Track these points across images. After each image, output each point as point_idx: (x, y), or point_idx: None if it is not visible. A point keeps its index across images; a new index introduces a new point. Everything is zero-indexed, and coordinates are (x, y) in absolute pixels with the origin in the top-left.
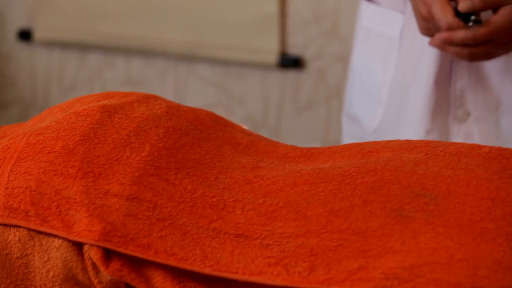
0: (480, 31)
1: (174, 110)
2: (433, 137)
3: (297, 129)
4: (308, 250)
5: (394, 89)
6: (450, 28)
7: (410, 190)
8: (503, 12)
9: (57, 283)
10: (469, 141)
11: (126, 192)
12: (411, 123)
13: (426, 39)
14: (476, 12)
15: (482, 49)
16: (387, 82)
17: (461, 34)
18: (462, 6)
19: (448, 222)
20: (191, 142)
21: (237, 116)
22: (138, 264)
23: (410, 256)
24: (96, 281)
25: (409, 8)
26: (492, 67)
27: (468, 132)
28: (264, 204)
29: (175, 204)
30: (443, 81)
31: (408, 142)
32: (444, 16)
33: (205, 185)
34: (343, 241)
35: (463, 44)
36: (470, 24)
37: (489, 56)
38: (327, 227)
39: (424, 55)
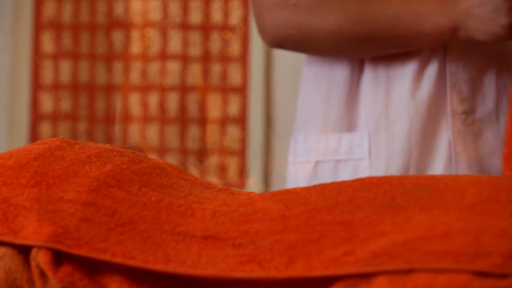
0: None
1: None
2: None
3: None
4: (286, 244)
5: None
6: None
7: (402, 187)
8: None
9: None
10: None
11: (82, 198)
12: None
13: None
14: None
15: None
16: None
17: None
18: None
19: (446, 206)
20: (158, 173)
21: None
22: (91, 270)
23: (403, 234)
24: None
25: None
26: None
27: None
28: (238, 211)
29: (137, 211)
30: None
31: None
32: None
33: (173, 198)
34: (326, 232)
35: None
36: None
37: None
38: (308, 222)
39: None
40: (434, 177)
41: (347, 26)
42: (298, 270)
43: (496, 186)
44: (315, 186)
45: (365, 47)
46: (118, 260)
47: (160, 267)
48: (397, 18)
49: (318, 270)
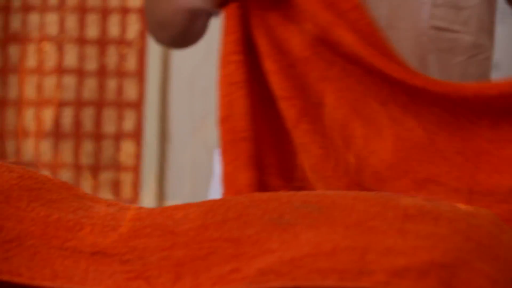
0: None
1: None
2: None
3: None
4: (174, 261)
5: None
6: None
7: (291, 204)
8: None
9: None
10: None
11: None
12: None
13: None
14: None
15: None
16: None
17: None
18: None
19: (333, 223)
20: (48, 188)
21: None
22: None
23: (290, 251)
24: None
25: None
26: None
27: None
28: (126, 226)
29: (25, 226)
30: None
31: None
32: None
33: (62, 212)
34: (214, 249)
35: None
36: None
37: None
38: (196, 239)
39: None
40: (323, 194)
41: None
42: (185, 287)
43: (383, 204)
44: (205, 202)
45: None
46: (5, 277)
47: (47, 283)
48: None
49: (205, 287)
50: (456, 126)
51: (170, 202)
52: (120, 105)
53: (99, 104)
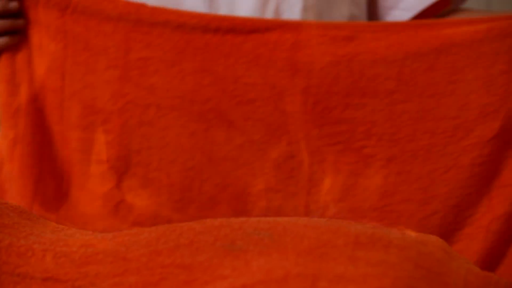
0: None
1: None
2: None
3: None
4: (126, 287)
5: None
6: None
7: (243, 231)
8: None
9: None
10: None
11: None
12: None
13: None
14: None
15: None
16: None
17: None
18: None
19: (284, 250)
20: (0, 213)
21: None
22: None
23: (242, 278)
24: None
25: None
26: None
27: None
28: (78, 252)
29: None
30: None
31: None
32: None
33: (14, 238)
34: (166, 275)
35: None
36: None
37: None
38: (149, 265)
39: None
40: (275, 220)
41: None
42: None
43: (334, 231)
44: (157, 228)
45: None
46: None
47: None
48: None
49: None
50: None
51: None
52: None
53: None
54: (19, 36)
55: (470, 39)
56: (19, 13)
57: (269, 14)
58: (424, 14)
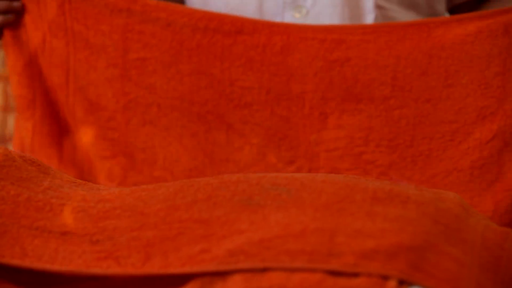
0: None
1: None
2: None
3: None
4: (144, 241)
5: None
6: None
7: (260, 186)
8: None
9: None
10: None
11: None
12: None
13: None
14: None
15: None
16: None
17: None
18: None
19: (302, 205)
20: (18, 166)
21: None
22: None
23: (259, 232)
24: None
25: None
26: None
27: None
28: (96, 207)
29: None
30: None
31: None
32: None
33: (32, 192)
34: (184, 230)
35: None
36: None
37: None
38: (166, 220)
39: None
40: (292, 176)
41: None
42: (154, 267)
43: (352, 186)
44: (174, 183)
45: None
46: None
47: (16, 261)
48: None
49: (174, 267)
50: None
51: None
52: None
53: None
54: (15, 15)
55: (460, 43)
56: None
57: None
58: None
